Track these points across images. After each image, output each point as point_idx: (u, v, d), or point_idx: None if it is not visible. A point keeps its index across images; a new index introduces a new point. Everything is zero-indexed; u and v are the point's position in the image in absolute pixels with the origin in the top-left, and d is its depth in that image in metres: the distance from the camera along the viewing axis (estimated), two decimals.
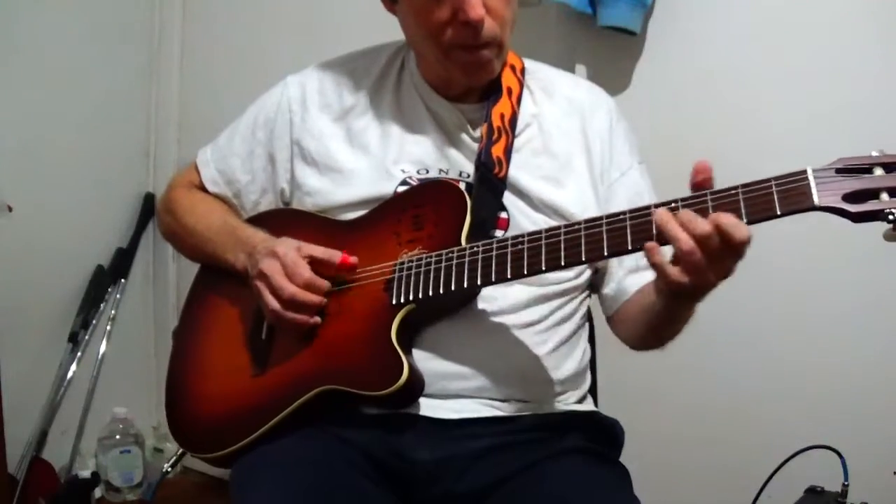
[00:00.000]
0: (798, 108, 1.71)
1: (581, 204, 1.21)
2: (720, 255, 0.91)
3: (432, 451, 1.12)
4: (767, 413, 1.79)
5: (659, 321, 1.09)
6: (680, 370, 1.75)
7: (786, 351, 1.77)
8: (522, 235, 1.06)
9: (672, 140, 1.79)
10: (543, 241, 1.04)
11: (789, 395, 1.77)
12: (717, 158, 1.77)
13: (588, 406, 1.28)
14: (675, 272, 0.93)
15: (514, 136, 1.22)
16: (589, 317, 1.32)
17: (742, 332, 1.76)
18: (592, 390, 1.32)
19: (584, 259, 1.02)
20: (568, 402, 1.24)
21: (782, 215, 0.91)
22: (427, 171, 1.22)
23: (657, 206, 0.97)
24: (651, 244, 0.94)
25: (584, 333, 1.29)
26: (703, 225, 0.90)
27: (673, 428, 1.89)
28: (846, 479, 1.44)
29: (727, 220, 0.90)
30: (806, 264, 1.64)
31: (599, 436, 1.23)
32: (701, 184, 0.95)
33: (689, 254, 0.90)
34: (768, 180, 0.92)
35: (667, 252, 0.94)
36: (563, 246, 1.03)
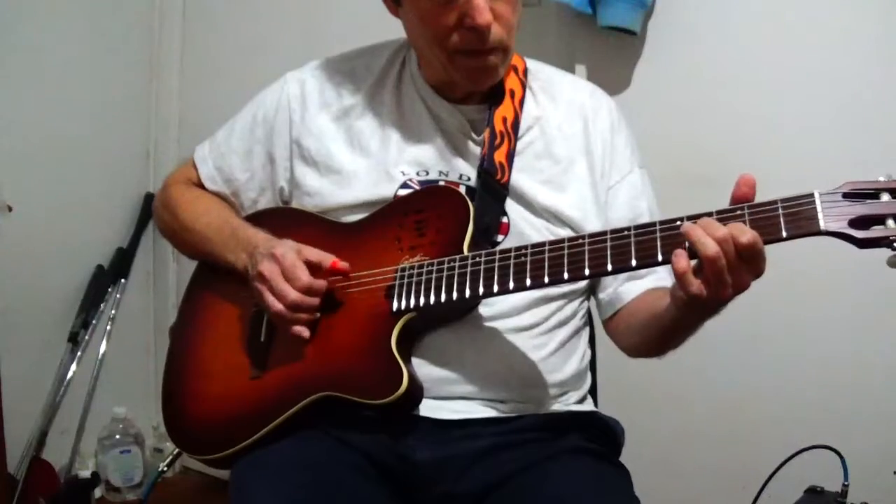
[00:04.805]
0: (798, 108, 1.71)
1: (581, 209, 1.21)
2: (736, 264, 0.91)
3: (433, 452, 1.12)
4: (767, 413, 1.80)
5: (668, 331, 1.08)
6: (680, 370, 1.75)
7: (786, 351, 1.77)
8: (526, 247, 1.06)
9: (672, 140, 1.79)
10: (547, 255, 1.04)
11: (789, 395, 1.77)
12: (716, 159, 1.79)
13: (588, 406, 1.28)
14: (696, 283, 0.92)
15: (516, 140, 1.21)
16: (589, 318, 1.32)
17: (742, 333, 1.76)
18: (592, 391, 1.32)
19: (587, 274, 1.01)
20: (568, 402, 1.24)
21: (788, 238, 0.91)
22: (427, 173, 1.21)
23: (662, 223, 0.97)
24: (679, 251, 0.93)
25: (584, 335, 1.29)
26: (721, 229, 0.90)
27: (673, 428, 1.90)
28: (846, 479, 1.44)
29: (734, 224, 0.91)
30: (806, 265, 1.64)
31: (599, 436, 1.23)
32: (741, 197, 0.94)
33: (714, 259, 0.90)
34: (775, 202, 0.92)
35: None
36: (566, 260, 1.02)
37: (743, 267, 0.91)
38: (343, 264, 1.15)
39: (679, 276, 0.93)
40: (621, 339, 1.25)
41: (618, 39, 1.84)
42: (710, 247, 0.90)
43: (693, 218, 0.95)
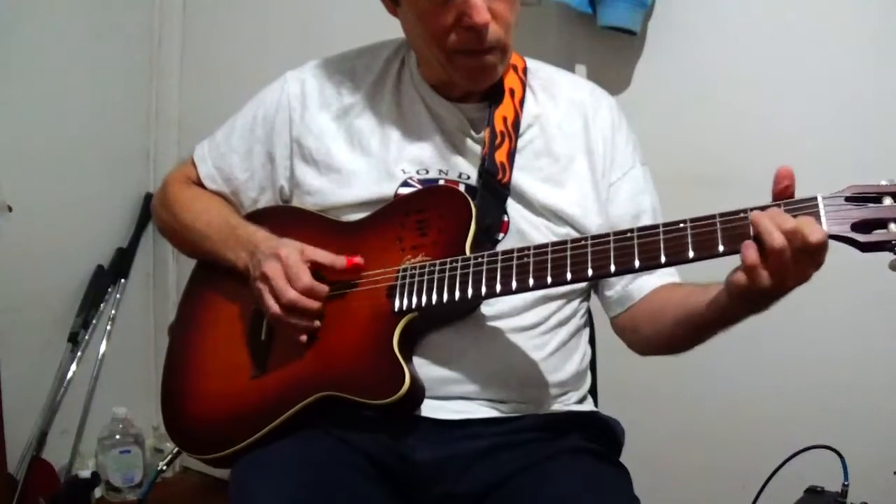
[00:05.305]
0: (797, 108, 1.71)
1: (581, 206, 1.21)
2: (801, 257, 0.89)
3: (433, 452, 1.12)
4: (767, 413, 1.79)
5: (709, 324, 1.06)
6: (680, 370, 1.75)
7: (785, 351, 1.77)
8: (528, 248, 1.06)
9: (672, 140, 1.79)
10: (549, 255, 1.03)
11: (789, 395, 1.77)
12: (716, 159, 1.79)
13: (588, 406, 1.28)
14: (765, 274, 0.91)
15: (517, 139, 1.21)
16: (589, 318, 1.32)
17: (742, 333, 1.75)
18: (592, 391, 1.32)
19: (590, 275, 1.01)
20: (568, 402, 1.24)
21: None
22: (427, 171, 1.21)
23: (665, 225, 0.97)
24: (748, 242, 0.91)
25: (585, 335, 1.29)
26: (790, 221, 0.89)
27: (673, 428, 1.90)
28: (846, 479, 1.44)
29: (804, 219, 0.89)
30: None
31: (599, 436, 1.23)
32: (783, 191, 0.93)
33: (780, 251, 0.88)
34: (778, 204, 0.92)
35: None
36: (569, 261, 1.02)
37: (807, 260, 0.90)
38: (358, 259, 1.15)
39: (749, 269, 0.91)
40: (634, 335, 1.23)
41: (618, 39, 1.84)
42: (777, 239, 0.88)
43: (695, 220, 0.95)
